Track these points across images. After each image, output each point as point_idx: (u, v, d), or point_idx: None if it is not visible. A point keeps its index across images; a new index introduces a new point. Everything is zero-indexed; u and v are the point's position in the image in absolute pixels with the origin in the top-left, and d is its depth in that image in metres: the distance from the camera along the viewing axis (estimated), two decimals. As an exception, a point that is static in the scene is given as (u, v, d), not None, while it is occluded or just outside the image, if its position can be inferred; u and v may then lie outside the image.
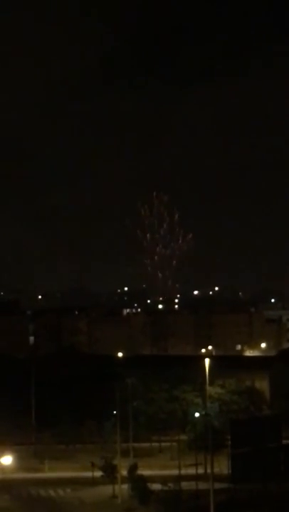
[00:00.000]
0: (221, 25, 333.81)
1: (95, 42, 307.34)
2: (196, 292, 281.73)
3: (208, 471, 74.62)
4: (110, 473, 78.78)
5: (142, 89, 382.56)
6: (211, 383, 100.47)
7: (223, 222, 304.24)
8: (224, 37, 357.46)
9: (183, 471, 79.97)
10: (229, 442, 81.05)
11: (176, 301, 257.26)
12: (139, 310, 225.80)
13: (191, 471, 79.62)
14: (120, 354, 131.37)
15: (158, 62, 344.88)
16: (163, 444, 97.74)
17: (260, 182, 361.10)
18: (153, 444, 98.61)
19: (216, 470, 72.64)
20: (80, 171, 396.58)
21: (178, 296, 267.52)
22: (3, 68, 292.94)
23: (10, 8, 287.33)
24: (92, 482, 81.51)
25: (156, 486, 74.49)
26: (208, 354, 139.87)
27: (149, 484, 74.95)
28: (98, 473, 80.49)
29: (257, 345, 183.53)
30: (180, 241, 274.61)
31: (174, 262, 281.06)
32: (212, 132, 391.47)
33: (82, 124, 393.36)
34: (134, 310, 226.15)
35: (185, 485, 76.14)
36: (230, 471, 78.88)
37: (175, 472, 79.71)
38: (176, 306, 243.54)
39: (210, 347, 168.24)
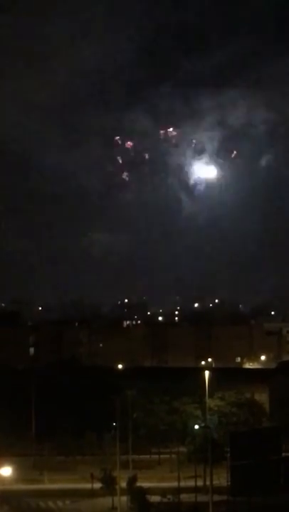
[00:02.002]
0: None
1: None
2: (196, 305, 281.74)
3: (208, 483, 74.69)
4: (110, 484, 78.82)
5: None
6: (211, 395, 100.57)
7: (222, 234, 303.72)
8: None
9: (182, 484, 80.00)
10: (229, 454, 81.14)
11: (176, 313, 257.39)
12: (139, 322, 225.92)
13: (191, 483, 79.70)
14: (120, 366, 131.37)
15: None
16: (162, 456, 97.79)
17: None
18: (152, 456, 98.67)
19: (216, 482, 72.74)
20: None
21: (178, 308, 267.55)
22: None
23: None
24: (92, 494, 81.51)
25: (155, 498, 74.57)
26: (208, 366, 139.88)
27: (148, 496, 74.99)
28: (98, 485, 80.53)
29: (257, 358, 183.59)
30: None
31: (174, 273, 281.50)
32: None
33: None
34: (134, 322, 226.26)
35: (184, 497, 76.22)
36: (229, 484, 78.94)
37: (174, 484, 79.75)
38: (176, 319, 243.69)
39: (210, 359, 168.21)
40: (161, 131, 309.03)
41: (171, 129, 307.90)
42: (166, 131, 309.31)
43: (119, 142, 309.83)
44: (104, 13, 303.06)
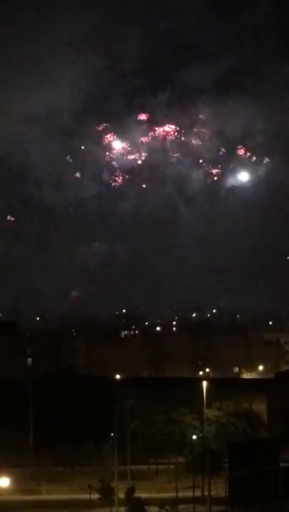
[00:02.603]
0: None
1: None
2: (194, 315, 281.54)
3: (206, 493, 74.63)
4: (107, 495, 78.69)
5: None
6: (209, 405, 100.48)
7: (220, 244, 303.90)
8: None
9: (180, 494, 79.89)
10: (227, 465, 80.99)
11: (174, 323, 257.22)
12: (136, 332, 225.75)
13: (189, 493, 79.62)
14: (118, 376, 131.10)
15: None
16: (160, 466, 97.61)
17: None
18: (150, 466, 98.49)
19: (214, 493, 72.72)
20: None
21: (176, 318, 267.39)
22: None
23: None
24: (90, 505, 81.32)
25: (153, 509, 74.51)
26: (205, 376, 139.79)
27: (146, 507, 74.96)
28: (95, 496, 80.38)
29: (255, 368, 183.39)
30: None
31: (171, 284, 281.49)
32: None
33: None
34: (131, 332, 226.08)
35: (182, 508, 76.15)
36: (227, 494, 78.79)
37: (172, 495, 79.63)
38: (174, 329, 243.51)
39: (207, 369, 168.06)
40: (160, 140, 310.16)
41: (169, 138, 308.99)
42: (165, 140, 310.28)
43: (118, 152, 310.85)
44: (103, 23, 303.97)
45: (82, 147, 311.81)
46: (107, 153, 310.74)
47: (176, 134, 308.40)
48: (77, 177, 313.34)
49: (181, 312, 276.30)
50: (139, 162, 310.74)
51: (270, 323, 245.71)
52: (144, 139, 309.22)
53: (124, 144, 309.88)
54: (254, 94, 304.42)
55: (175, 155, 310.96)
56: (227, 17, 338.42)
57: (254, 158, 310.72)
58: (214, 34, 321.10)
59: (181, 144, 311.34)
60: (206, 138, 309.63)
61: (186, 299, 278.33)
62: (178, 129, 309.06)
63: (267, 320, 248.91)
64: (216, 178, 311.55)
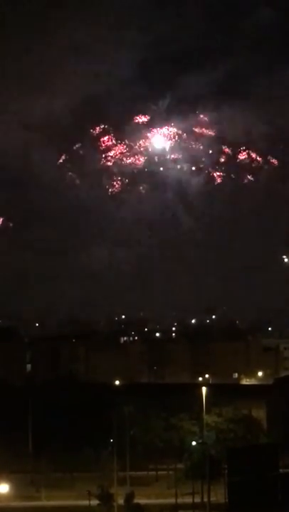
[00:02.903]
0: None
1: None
2: (193, 320, 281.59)
3: (205, 499, 74.63)
4: (107, 501, 78.70)
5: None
6: (208, 411, 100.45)
7: (220, 250, 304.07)
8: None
9: (180, 500, 79.98)
10: (226, 471, 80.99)
11: (174, 329, 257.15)
12: (136, 338, 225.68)
13: (188, 499, 79.65)
14: (117, 382, 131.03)
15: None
16: (160, 472, 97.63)
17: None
18: (150, 472, 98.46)
19: (213, 499, 72.70)
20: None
21: (175, 324, 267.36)
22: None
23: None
24: (89, 511, 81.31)
25: (153, 515, 74.43)
26: (205, 382, 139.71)
27: (145, 513, 74.90)
28: (95, 502, 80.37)
29: (254, 374, 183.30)
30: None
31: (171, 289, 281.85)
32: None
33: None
34: (131, 338, 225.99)
35: (182, 514, 76.08)
36: (227, 500, 78.78)
37: (172, 501, 79.69)
38: (174, 334, 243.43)
39: (207, 375, 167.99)
40: (160, 145, 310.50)
41: (169, 143, 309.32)
42: (164, 145, 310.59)
43: (117, 157, 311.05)
44: (104, 30, 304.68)
45: (81, 152, 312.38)
46: (106, 158, 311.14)
47: (176, 138, 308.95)
48: (77, 183, 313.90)
49: (180, 318, 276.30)
50: (139, 166, 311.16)
51: (270, 329, 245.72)
52: (143, 144, 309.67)
53: (123, 149, 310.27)
54: (254, 99, 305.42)
55: (175, 158, 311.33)
56: (226, 24, 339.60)
57: (254, 162, 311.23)
58: (214, 40, 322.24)
59: (180, 148, 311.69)
60: (206, 142, 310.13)
61: (185, 304, 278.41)
62: (178, 133, 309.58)
63: (266, 326, 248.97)
64: (216, 182, 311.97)
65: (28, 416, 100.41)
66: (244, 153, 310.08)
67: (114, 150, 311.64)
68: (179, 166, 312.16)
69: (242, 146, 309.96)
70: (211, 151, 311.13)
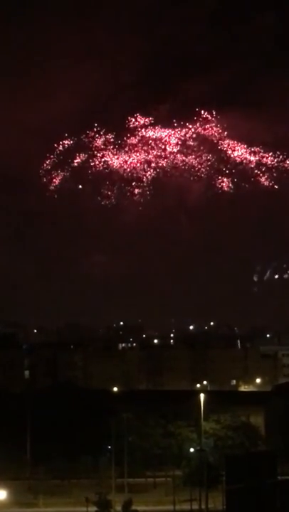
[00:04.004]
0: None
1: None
2: (191, 327, 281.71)
3: (203, 506, 74.62)
4: (105, 508, 78.70)
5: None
6: (206, 418, 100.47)
7: (219, 257, 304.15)
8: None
9: (178, 507, 79.99)
10: (224, 478, 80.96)
11: (172, 335, 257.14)
12: (134, 345, 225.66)
13: (186, 506, 79.63)
14: (115, 389, 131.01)
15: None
16: (158, 479, 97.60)
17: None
18: (148, 479, 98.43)
19: (211, 506, 72.66)
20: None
21: (173, 330, 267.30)
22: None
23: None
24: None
25: (150, 522, 74.43)
26: (203, 389, 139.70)
27: (143, 520, 74.88)
28: (93, 509, 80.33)
29: (252, 381, 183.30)
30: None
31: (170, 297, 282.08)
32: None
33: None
34: (129, 345, 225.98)
35: (180, 521, 76.06)
36: (225, 507, 78.75)
37: (170, 508, 79.72)
38: (172, 341, 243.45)
39: (205, 382, 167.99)
40: (161, 151, 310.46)
41: (171, 149, 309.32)
42: (165, 150, 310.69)
43: (118, 162, 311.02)
44: (104, 34, 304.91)
45: (81, 157, 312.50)
46: (105, 162, 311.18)
47: (178, 143, 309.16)
48: (77, 188, 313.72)
49: (178, 324, 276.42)
50: (140, 172, 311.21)
51: (268, 335, 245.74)
52: (144, 149, 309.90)
53: (124, 155, 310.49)
54: (255, 105, 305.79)
55: (176, 162, 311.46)
56: (227, 29, 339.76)
57: (256, 169, 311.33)
58: (215, 45, 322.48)
59: (182, 153, 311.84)
60: (208, 147, 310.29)
61: (184, 311, 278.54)
62: (180, 137, 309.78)
63: (265, 333, 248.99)
64: (218, 188, 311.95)
65: (26, 423, 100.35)
66: (246, 157, 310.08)
67: (113, 154, 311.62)
68: (180, 172, 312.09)
69: (244, 151, 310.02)
70: (213, 156, 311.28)
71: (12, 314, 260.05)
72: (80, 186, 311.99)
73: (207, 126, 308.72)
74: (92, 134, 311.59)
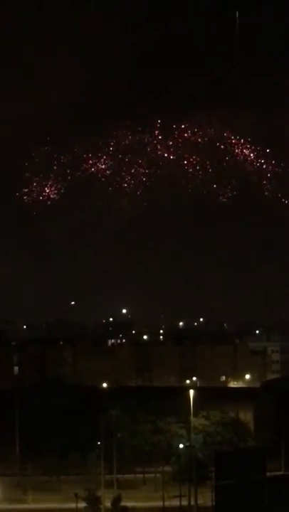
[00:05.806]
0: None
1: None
2: (181, 323, 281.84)
3: (192, 502, 74.67)
4: (94, 504, 78.70)
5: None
6: (196, 414, 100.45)
7: (209, 253, 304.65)
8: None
9: (167, 503, 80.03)
10: (213, 474, 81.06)
11: (161, 332, 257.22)
12: (124, 341, 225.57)
13: (175, 502, 79.72)
14: (105, 385, 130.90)
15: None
16: (147, 475, 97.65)
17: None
18: (137, 475, 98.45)
19: (200, 502, 72.72)
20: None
21: (163, 327, 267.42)
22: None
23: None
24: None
25: (140, 518, 74.43)
26: (192, 385, 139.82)
27: (132, 516, 74.88)
28: (82, 505, 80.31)
29: (241, 377, 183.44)
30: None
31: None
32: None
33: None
34: (118, 341, 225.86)
35: (169, 517, 76.08)
36: (214, 503, 78.85)
37: (159, 504, 79.73)
38: (161, 337, 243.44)
39: (194, 378, 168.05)
40: (155, 150, 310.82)
41: (164, 147, 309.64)
42: (158, 149, 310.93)
43: (111, 164, 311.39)
44: (96, 33, 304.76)
45: (72, 157, 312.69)
46: (98, 164, 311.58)
47: (170, 143, 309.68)
48: (69, 188, 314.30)
49: (168, 321, 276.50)
50: (133, 172, 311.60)
51: (257, 332, 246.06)
52: (135, 150, 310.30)
53: (115, 155, 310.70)
54: (248, 103, 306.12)
55: (169, 163, 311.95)
56: (220, 27, 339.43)
57: (250, 169, 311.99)
58: (207, 45, 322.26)
59: (175, 153, 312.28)
60: (201, 147, 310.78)
61: (173, 307, 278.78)
62: (173, 137, 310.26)
63: (254, 329, 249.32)
64: (212, 188, 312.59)
65: (15, 419, 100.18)
66: (240, 156, 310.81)
67: (104, 156, 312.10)
68: (173, 171, 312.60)
69: (238, 150, 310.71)
70: (206, 156, 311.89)
71: (1, 311, 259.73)
72: (70, 187, 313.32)
73: (198, 127, 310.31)
74: (83, 133, 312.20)
